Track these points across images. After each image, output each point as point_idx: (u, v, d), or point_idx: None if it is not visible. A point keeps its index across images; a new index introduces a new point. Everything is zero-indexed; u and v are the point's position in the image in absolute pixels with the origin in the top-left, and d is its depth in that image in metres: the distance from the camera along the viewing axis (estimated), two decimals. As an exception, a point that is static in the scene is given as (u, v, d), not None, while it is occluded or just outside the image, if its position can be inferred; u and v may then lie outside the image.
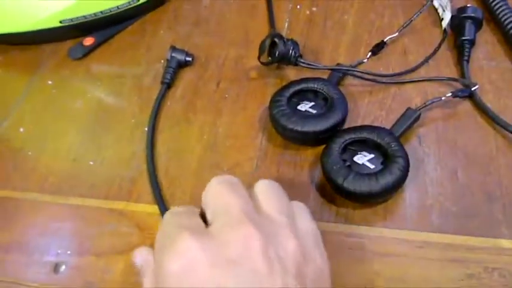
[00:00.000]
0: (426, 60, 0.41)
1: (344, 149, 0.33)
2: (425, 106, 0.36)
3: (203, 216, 0.25)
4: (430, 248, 0.31)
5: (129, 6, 0.46)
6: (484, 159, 0.34)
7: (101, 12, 0.45)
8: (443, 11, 0.43)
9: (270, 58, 0.40)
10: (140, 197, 0.36)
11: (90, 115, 0.42)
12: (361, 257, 0.31)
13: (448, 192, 0.33)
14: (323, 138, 0.34)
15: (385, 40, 0.42)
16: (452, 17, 0.42)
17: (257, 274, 0.21)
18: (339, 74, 0.39)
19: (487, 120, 0.36)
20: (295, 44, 0.39)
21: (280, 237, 0.23)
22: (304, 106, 0.37)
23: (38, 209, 0.36)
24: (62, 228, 0.35)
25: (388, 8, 0.45)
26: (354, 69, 0.40)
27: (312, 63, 0.39)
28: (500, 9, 0.42)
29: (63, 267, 0.33)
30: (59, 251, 0.33)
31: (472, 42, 0.40)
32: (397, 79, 0.40)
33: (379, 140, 0.33)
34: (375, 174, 0.31)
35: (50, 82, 0.45)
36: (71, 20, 0.45)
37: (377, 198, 0.32)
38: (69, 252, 0.33)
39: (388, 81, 0.40)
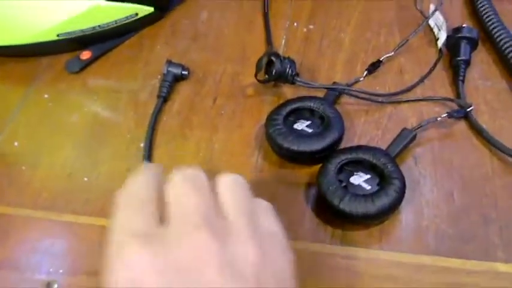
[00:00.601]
0: (422, 79, 0.41)
1: (340, 169, 0.33)
2: (420, 127, 0.36)
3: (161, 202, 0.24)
4: (425, 272, 0.30)
5: (127, 21, 0.46)
6: (480, 181, 0.34)
7: (99, 26, 0.45)
8: (439, 30, 0.43)
9: (266, 76, 0.40)
10: (134, 214, 0.35)
11: (86, 129, 0.41)
12: (356, 279, 0.31)
13: (444, 214, 0.33)
14: (319, 157, 0.34)
15: (381, 59, 0.42)
16: (447, 36, 0.42)
17: (208, 284, 0.20)
18: (335, 93, 0.39)
19: (483, 141, 0.36)
20: (292, 62, 0.39)
21: (239, 243, 0.22)
22: (301, 125, 0.37)
23: (30, 225, 0.36)
24: (55, 245, 0.34)
25: (385, 27, 0.46)
26: (350, 88, 0.40)
27: (308, 82, 0.39)
28: (496, 30, 0.42)
29: (55, 287, 0.32)
30: (51, 269, 0.33)
31: (467, 62, 0.41)
32: (393, 99, 0.40)
33: (375, 161, 0.33)
34: (371, 196, 0.31)
35: (46, 95, 0.44)
36: (68, 33, 0.44)
37: (373, 220, 0.32)
38: (61, 271, 0.33)
39: (384, 100, 0.40)
